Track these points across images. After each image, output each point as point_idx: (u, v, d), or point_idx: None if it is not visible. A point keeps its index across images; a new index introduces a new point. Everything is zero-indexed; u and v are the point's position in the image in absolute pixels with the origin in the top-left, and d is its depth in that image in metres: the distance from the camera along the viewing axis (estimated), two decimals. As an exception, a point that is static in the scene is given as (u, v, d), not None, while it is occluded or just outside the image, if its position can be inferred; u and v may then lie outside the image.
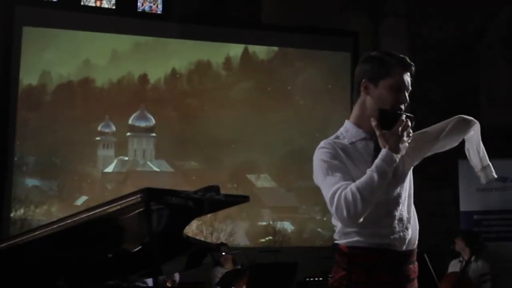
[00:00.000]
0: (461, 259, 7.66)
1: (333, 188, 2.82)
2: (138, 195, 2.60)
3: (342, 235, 2.96)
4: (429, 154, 3.16)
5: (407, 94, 2.96)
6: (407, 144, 2.90)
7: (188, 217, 3.23)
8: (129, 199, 2.65)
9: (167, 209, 2.88)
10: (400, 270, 2.93)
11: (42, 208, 9.71)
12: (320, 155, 2.96)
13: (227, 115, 10.57)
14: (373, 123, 2.86)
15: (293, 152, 10.52)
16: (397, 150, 2.83)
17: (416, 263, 3.04)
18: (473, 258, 7.55)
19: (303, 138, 10.44)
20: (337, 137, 3.01)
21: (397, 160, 2.84)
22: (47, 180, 9.86)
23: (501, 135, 9.55)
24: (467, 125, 3.17)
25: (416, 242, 3.04)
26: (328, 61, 11.09)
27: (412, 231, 2.99)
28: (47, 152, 9.88)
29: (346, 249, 2.94)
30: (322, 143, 3.00)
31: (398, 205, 2.95)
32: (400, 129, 2.83)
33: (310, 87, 10.98)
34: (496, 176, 3.24)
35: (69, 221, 2.79)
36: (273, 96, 10.88)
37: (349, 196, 2.76)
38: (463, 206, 9.21)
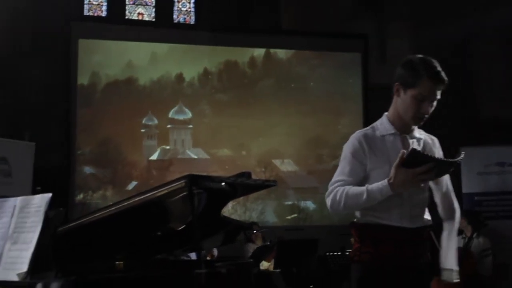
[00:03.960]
0: (464, 235, 7.60)
1: (336, 178, 2.95)
2: (182, 181, 2.59)
3: (358, 214, 3.03)
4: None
5: (431, 107, 2.91)
6: (414, 186, 2.84)
7: (224, 199, 3.17)
8: (174, 184, 2.64)
9: (207, 192, 2.83)
10: (407, 245, 2.94)
11: (98, 193, 9.84)
12: (347, 145, 3.05)
13: (253, 108, 10.62)
14: (400, 155, 2.77)
15: (311, 140, 10.62)
16: (397, 189, 2.79)
17: (424, 239, 3.03)
18: (474, 235, 7.56)
19: (319, 127, 10.64)
20: (373, 128, 3.05)
21: (392, 193, 2.80)
22: (101, 168, 9.97)
23: (498, 125, 9.61)
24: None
25: (425, 221, 3.05)
26: (340, 60, 11.10)
27: (422, 213, 3.01)
28: (100, 144, 10.00)
29: (359, 226, 3.03)
30: (354, 134, 3.04)
31: (413, 195, 2.94)
32: (417, 174, 2.75)
33: (324, 83, 10.95)
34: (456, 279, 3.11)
35: (125, 203, 2.78)
36: (292, 91, 10.88)
37: (338, 195, 2.87)
38: (465, 188, 9.17)
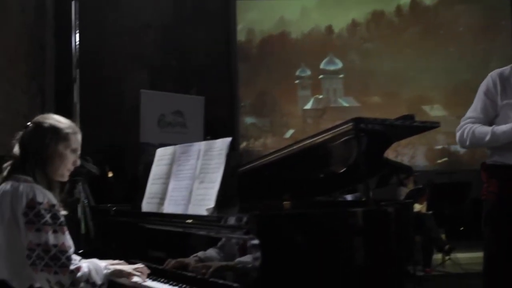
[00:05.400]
0: None
1: (468, 114, 2.99)
2: (350, 124, 2.59)
3: (488, 156, 3.01)
4: None
5: None
6: None
7: (387, 142, 3.10)
8: (341, 128, 2.64)
9: (371, 135, 2.77)
10: None
11: (259, 141, 10.17)
12: (482, 83, 3.01)
13: (401, 55, 10.38)
14: None
15: (459, 85, 10.14)
16: None
17: None
18: None
19: (467, 72, 10.07)
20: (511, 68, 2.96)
21: None
22: (261, 118, 10.33)
23: None
24: None
25: None
26: (486, 3, 10.52)
27: None
28: (258, 96, 10.32)
29: (487, 166, 2.99)
30: (491, 73, 3.01)
31: None
32: None
33: (471, 27, 10.48)
34: None
35: (294, 147, 2.83)
36: (440, 37, 10.51)
37: (465, 132, 2.91)
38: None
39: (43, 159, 2.38)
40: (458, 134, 2.98)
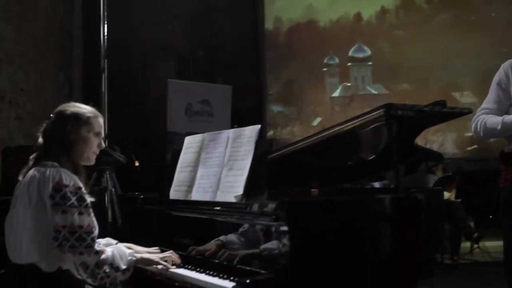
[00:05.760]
0: None
1: (482, 106, 2.99)
2: (381, 110, 2.57)
3: (507, 144, 3.00)
4: None
5: None
6: None
7: (418, 129, 3.08)
8: (372, 114, 2.62)
9: (402, 121, 2.74)
10: None
11: (286, 129, 10.16)
12: (495, 76, 2.98)
13: (430, 42, 10.19)
14: None
15: (490, 71, 9.90)
16: None
17: None
18: None
19: (498, 58, 9.82)
20: None
21: None
22: (288, 106, 10.30)
23: None
24: None
25: None
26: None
27: None
28: (286, 84, 10.30)
29: (505, 154, 3.00)
30: (502, 65, 3.02)
31: None
32: None
33: (503, 13, 10.27)
34: None
35: (323, 134, 2.80)
36: (471, 23, 10.31)
37: (478, 124, 2.93)
38: None
39: (68, 145, 2.43)
40: (472, 126, 3.01)
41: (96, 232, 2.33)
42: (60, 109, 2.53)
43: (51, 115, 2.53)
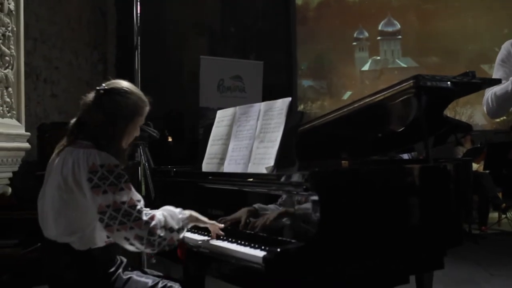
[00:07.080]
0: None
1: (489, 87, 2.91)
2: (410, 81, 2.54)
3: None
4: None
5: None
6: None
7: (447, 100, 3.04)
8: (401, 85, 2.59)
9: (431, 93, 2.71)
10: None
11: (317, 103, 10.14)
12: (498, 56, 2.94)
13: (460, 15, 10.07)
14: None
15: (521, 44, 9.77)
16: None
17: None
18: None
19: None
20: None
21: None
22: (318, 81, 10.26)
23: None
24: None
25: None
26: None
27: None
28: (315, 58, 10.24)
29: None
30: (503, 45, 2.99)
31: None
32: None
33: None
34: None
35: (353, 105, 2.76)
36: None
37: (489, 99, 2.90)
38: None
39: (121, 129, 2.36)
40: (484, 107, 2.95)
41: (142, 203, 2.27)
42: (124, 89, 2.39)
43: (108, 88, 2.36)
